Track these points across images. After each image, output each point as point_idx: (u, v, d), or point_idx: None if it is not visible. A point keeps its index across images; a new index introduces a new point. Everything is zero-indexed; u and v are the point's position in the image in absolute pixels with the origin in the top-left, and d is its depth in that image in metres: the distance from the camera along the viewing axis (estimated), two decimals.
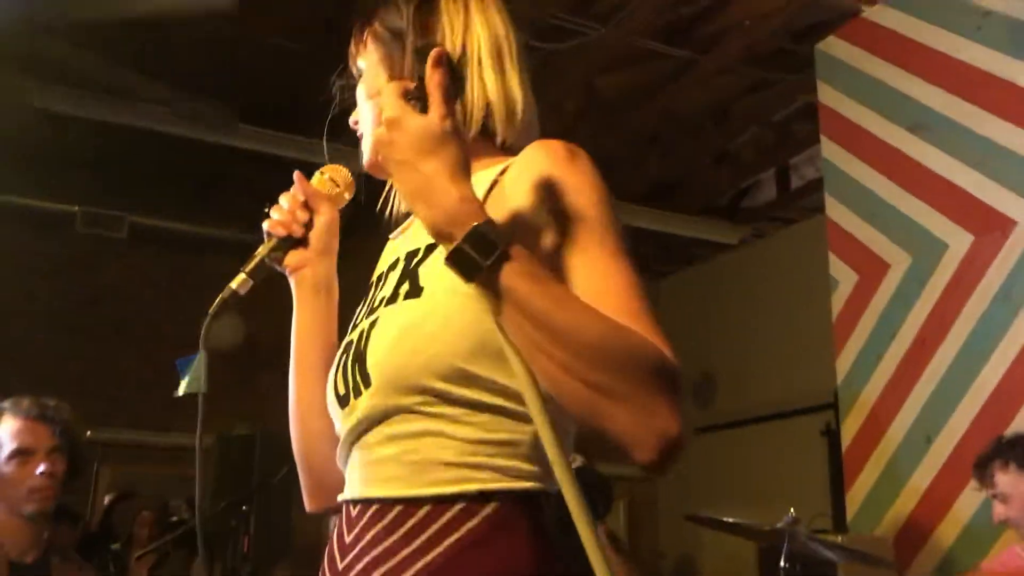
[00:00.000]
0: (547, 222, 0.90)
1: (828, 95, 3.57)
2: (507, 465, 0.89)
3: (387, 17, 1.09)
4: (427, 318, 0.92)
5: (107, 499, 4.68)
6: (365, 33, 1.11)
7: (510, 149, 1.04)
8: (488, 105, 1.04)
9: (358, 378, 0.96)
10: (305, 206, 1.17)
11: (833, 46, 3.58)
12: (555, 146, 0.95)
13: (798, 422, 4.97)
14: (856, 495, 3.20)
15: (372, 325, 0.97)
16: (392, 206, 1.17)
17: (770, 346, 5.38)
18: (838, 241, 3.45)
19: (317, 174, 1.20)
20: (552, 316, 0.80)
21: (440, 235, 0.83)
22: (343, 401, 0.99)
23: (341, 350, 1.03)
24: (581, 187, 0.91)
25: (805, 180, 5.04)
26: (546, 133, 1.04)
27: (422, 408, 0.91)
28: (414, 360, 0.91)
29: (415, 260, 0.99)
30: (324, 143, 1.25)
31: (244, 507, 2.69)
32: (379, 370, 0.93)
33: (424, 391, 0.91)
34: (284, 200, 1.17)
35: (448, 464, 0.89)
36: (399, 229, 1.15)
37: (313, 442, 1.12)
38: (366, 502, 0.93)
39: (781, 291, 5.30)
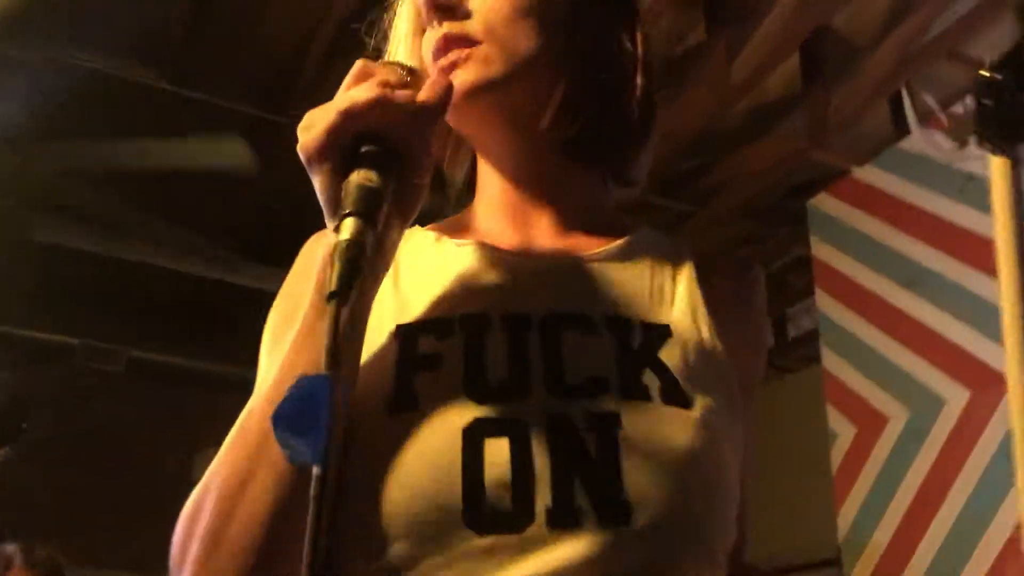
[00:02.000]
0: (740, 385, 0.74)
1: (821, 250, 3.67)
2: None
3: None
4: (711, 452, 0.66)
5: None
6: None
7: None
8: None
9: (583, 501, 0.60)
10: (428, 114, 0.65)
11: (824, 203, 3.71)
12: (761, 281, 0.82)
13: None
14: None
15: (608, 421, 0.63)
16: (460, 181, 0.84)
17: (769, 497, 5.29)
18: (835, 393, 3.46)
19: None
20: None
21: None
22: (500, 523, 0.60)
23: (473, 430, 0.62)
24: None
25: (802, 330, 5.10)
26: None
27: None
28: (709, 508, 0.65)
29: (635, 338, 0.70)
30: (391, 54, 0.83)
31: None
32: (665, 511, 0.62)
33: (707, 555, 0.66)
34: (367, 89, 0.62)
35: None
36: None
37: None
38: None
39: (779, 440, 5.25)
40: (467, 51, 0.73)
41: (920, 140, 2.85)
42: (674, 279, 0.75)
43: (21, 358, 5.08)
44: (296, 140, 0.65)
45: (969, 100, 2.94)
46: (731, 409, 0.70)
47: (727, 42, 3.30)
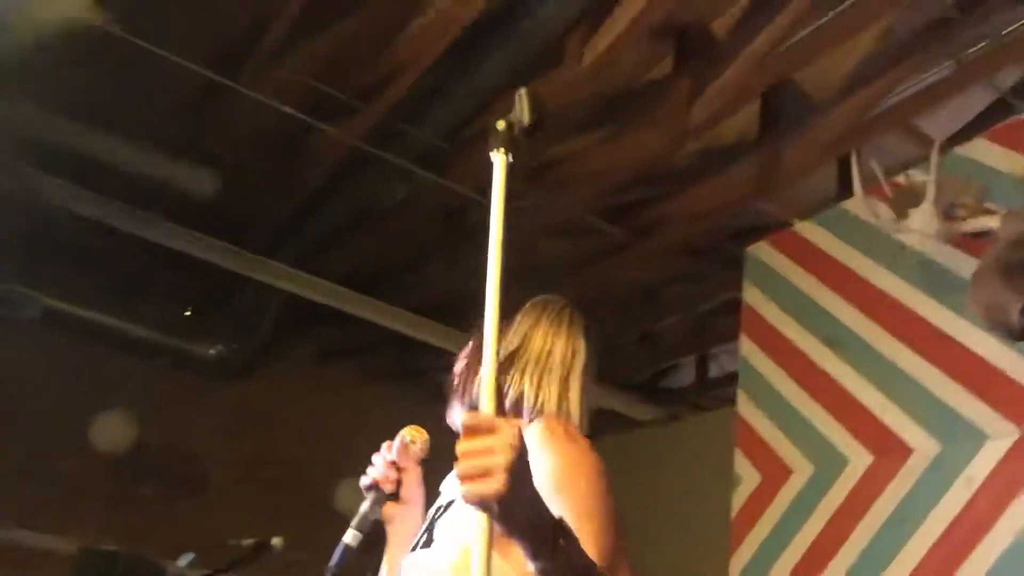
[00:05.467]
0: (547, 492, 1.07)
1: (752, 296, 3.72)
2: None
3: None
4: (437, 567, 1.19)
5: None
6: None
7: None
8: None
9: None
10: (394, 465, 1.42)
11: (762, 251, 3.76)
12: (554, 431, 1.21)
13: None
14: None
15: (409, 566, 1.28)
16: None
17: (669, 530, 5.33)
18: (745, 438, 3.51)
19: (403, 432, 1.45)
20: None
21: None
22: None
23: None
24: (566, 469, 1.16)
25: (724, 371, 5.17)
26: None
27: None
28: None
29: (438, 513, 1.28)
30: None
31: None
32: None
33: None
34: (377, 460, 1.43)
35: None
36: None
37: None
38: None
39: (685, 477, 5.32)
40: None
41: (861, 205, 2.90)
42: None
43: None
44: None
45: (913, 172, 3.01)
46: None
47: (691, 81, 3.33)
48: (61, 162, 4.20)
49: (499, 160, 1.13)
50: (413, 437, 1.44)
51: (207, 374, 5.39)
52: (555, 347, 1.37)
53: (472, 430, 0.91)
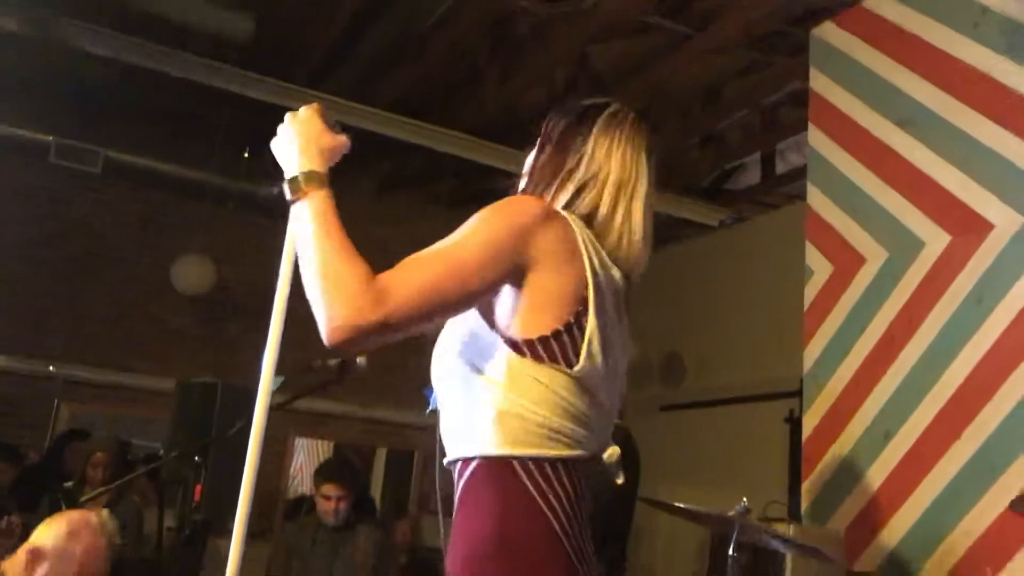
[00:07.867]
0: None
1: (820, 82, 3.54)
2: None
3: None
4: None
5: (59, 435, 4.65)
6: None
7: (618, 260, 1.32)
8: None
9: None
10: None
11: (829, 32, 3.54)
12: None
13: (762, 407, 4.99)
14: (812, 485, 3.22)
15: None
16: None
17: (741, 329, 5.40)
18: (816, 231, 3.44)
19: None
20: (309, 242, 1.21)
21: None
22: None
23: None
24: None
25: (790, 166, 5.03)
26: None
27: None
28: None
29: None
30: None
31: (197, 458, 2.65)
32: None
33: None
34: None
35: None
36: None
37: None
38: None
39: (756, 276, 5.30)
40: None
41: None
42: None
43: None
44: None
45: None
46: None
47: None
48: (104, 14, 4.14)
49: None
50: None
51: (273, 213, 5.47)
52: (626, 171, 1.38)
53: None
